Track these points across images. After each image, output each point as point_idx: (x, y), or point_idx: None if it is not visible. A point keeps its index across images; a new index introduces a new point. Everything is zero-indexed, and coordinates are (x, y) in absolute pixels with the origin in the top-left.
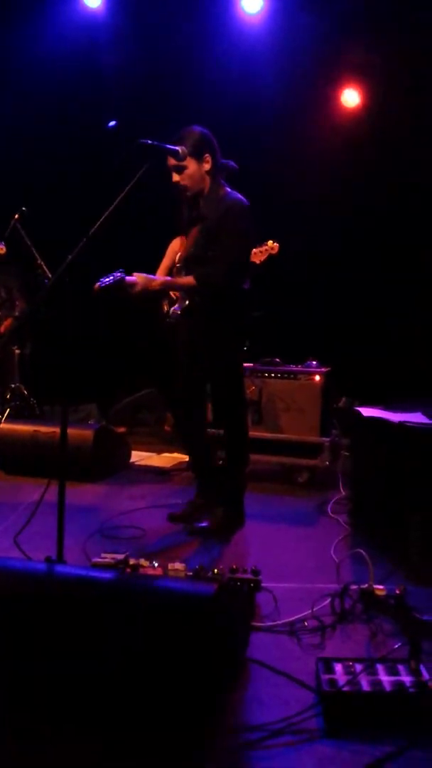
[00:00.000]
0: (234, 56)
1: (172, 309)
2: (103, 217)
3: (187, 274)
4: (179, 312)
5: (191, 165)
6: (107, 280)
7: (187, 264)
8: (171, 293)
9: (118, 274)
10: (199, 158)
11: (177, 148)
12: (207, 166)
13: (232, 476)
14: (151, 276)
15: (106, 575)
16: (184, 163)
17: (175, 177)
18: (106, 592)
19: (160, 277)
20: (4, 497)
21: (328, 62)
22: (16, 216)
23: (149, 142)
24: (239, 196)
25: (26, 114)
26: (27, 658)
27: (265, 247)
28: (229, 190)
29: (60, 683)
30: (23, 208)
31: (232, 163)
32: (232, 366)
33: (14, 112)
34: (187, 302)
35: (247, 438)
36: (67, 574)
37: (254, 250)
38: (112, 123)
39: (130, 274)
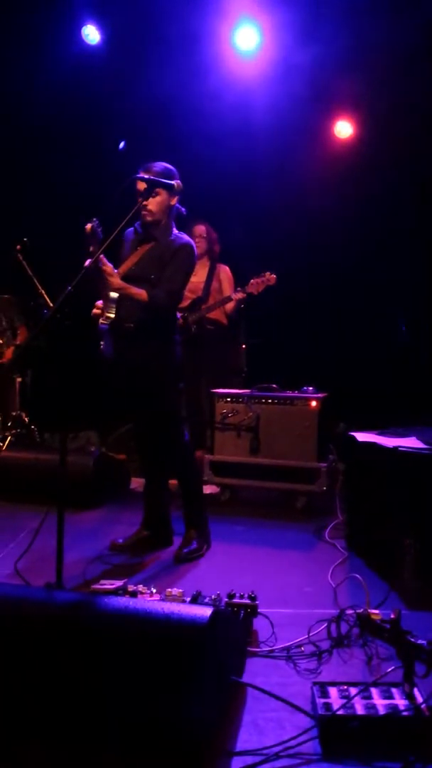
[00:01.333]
0: (228, 91)
1: (101, 320)
2: (102, 248)
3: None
4: (107, 323)
5: (162, 195)
6: (99, 230)
7: (126, 279)
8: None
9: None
10: (171, 192)
11: (172, 182)
12: (173, 201)
13: (188, 496)
14: (115, 272)
15: (104, 601)
16: (157, 190)
17: (146, 200)
18: (102, 617)
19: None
20: (4, 524)
21: (321, 95)
22: (18, 247)
23: (146, 176)
24: (189, 238)
25: (27, 146)
26: (24, 683)
27: (262, 279)
28: (176, 231)
29: (56, 709)
30: (24, 240)
31: (183, 208)
32: (168, 384)
33: (14, 145)
34: (112, 315)
35: (190, 454)
36: (65, 600)
37: (252, 281)
38: (121, 144)
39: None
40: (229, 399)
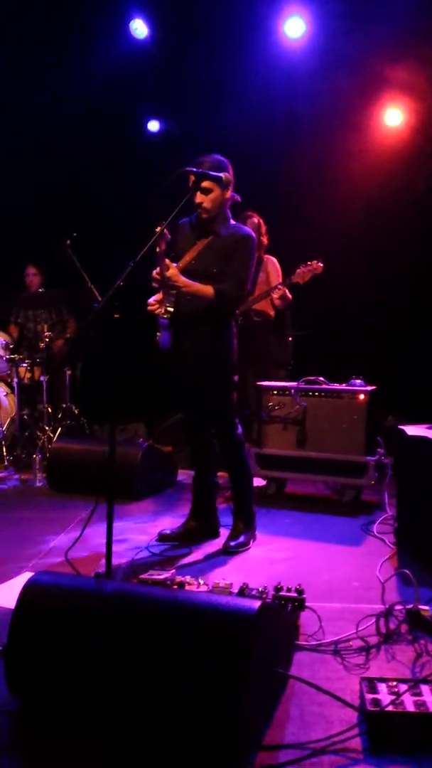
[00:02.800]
0: (276, 80)
1: (161, 313)
2: (150, 243)
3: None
4: (167, 317)
5: (217, 191)
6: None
7: (186, 274)
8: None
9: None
10: (225, 187)
11: (220, 174)
12: (227, 194)
13: (239, 488)
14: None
15: (153, 591)
16: (210, 186)
17: (200, 198)
18: (152, 608)
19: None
20: (55, 514)
21: (370, 82)
22: (68, 241)
23: (195, 170)
24: (248, 228)
25: (75, 140)
26: (74, 671)
27: (309, 267)
28: (233, 222)
29: (103, 697)
30: (74, 234)
31: (237, 196)
32: (226, 379)
33: (63, 140)
34: (171, 309)
35: (242, 447)
36: (114, 590)
37: (299, 270)
38: (154, 127)
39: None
40: (275, 392)
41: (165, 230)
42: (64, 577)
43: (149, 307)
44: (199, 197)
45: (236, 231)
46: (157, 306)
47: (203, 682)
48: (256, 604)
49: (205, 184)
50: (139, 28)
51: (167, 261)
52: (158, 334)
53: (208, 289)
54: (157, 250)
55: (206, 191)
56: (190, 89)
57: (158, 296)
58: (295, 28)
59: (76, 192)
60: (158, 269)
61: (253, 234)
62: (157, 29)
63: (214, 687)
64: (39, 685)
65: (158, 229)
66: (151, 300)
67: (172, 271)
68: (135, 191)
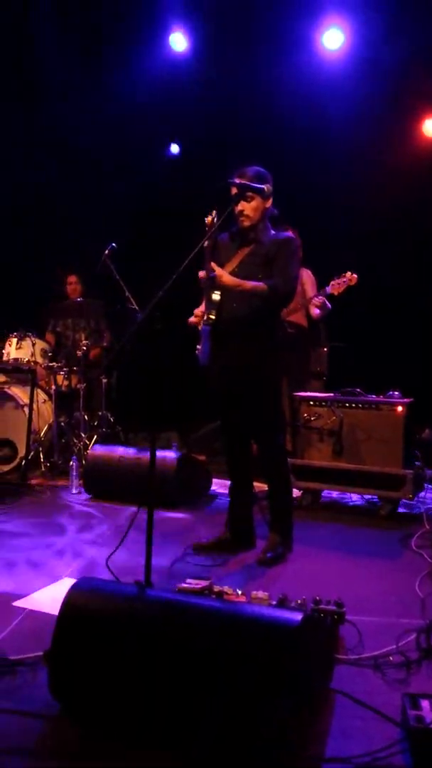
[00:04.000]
0: (314, 91)
1: (202, 321)
2: (192, 254)
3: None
4: (209, 324)
5: (257, 200)
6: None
7: None
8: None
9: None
10: (264, 196)
11: (262, 186)
12: (268, 204)
13: (278, 500)
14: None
15: (194, 601)
16: (252, 195)
17: (242, 205)
18: (195, 617)
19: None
20: (92, 521)
21: (408, 92)
22: (106, 252)
23: (237, 181)
24: (289, 233)
25: (113, 152)
26: (117, 676)
27: (344, 279)
28: (273, 231)
29: (145, 703)
30: (113, 245)
31: (275, 210)
32: (272, 388)
33: (101, 151)
34: (213, 317)
35: (286, 460)
36: (157, 598)
37: (333, 281)
38: (175, 149)
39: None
40: (312, 402)
41: (215, 224)
42: (106, 585)
43: (192, 319)
44: (241, 205)
45: (277, 236)
46: (198, 319)
47: (244, 694)
48: (298, 616)
49: (248, 192)
50: (179, 42)
51: (213, 264)
52: (198, 347)
53: (259, 285)
54: (205, 244)
55: (248, 199)
56: (226, 102)
57: (200, 309)
58: (333, 39)
59: (116, 204)
60: (205, 271)
61: (294, 237)
62: (195, 43)
63: (254, 699)
64: (80, 691)
65: (208, 219)
66: (196, 311)
67: (220, 271)
68: (174, 203)
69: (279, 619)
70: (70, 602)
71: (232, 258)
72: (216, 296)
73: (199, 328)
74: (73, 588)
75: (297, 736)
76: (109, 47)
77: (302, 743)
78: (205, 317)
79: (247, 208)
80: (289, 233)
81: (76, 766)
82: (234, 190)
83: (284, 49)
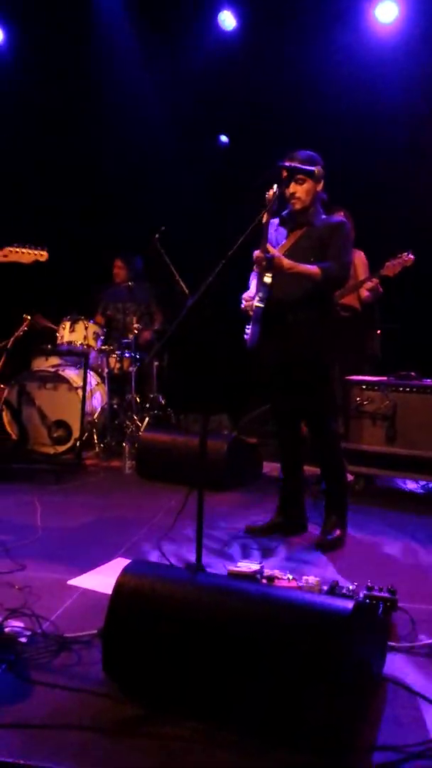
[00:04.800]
0: (366, 67)
1: (254, 304)
2: (242, 238)
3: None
4: (261, 307)
5: (310, 182)
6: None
7: None
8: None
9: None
10: (317, 179)
11: (312, 168)
12: (319, 188)
13: (333, 483)
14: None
15: (246, 586)
16: (304, 177)
17: (293, 188)
18: (246, 602)
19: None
20: (144, 502)
21: None
22: (156, 235)
23: (287, 164)
24: (341, 217)
25: (161, 135)
26: (168, 657)
27: (399, 260)
28: (324, 215)
29: (196, 683)
30: (162, 228)
31: (324, 194)
32: (324, 370)
33: (151, 133)
34: (262, 300)
35: (339, 444)
36: (209, 582)
37: (388, 262)
38: (224, 139)
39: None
40: (364, 386)
41: (276, 199)
42: (157, 567)
43: (244, 304)
44: (292, 187)
45: (330, 220)
46: (249, 304)
47: (290, 680)
48: (350, 604)
49: (298, 175)
50: (227, 20)
51: (269, 245)
52: (247, 329)
53: (313, 269)
54: (263, 220)
55: (299, 182)
56: (275, 82)
57: (249, 293)
58: (387, 12)
59: (165, 188)
60: (261, 249)
61: (347, 221)
62: (245, 21)
63: (301, 685)
64: (131, 670)
65: (269, 193)
66: (245, 296)
67: (276, 252)
68: (225, 187)
69: (331, 608)
70: (122, 584)
71: (283, 242)
72: (268, 279)
73: (250, 312)
74: (125, 570)
75: (346, 724)
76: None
77: (352, 730)
78: (257, 299)
79: (299, 190)
80: (341, 217)
81: (130, 743)
82: (284, 173)
83: (334, 24)
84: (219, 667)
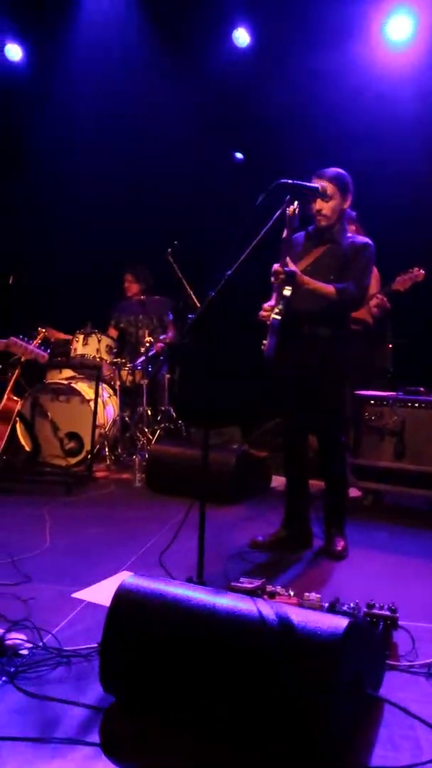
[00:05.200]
0: (380, 82)
1: (272, 315)
2: (243, 256)
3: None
4: (278, 319)
5: (336, 199)
6: (298, 216)
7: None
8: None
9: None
10: (344, 195)
11: (316, 185)
12: (346, 205)
13: (337, 496)
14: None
15: (240, 601)
16: (331, 194)
17: (320, 204)
18: (238, 619)
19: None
20: (153, 515)
21: None
22: (169, 249)
23: (290, 181)
24: (367, 238)
25: (175, 149)
26: (164, 672)
27: (410, 275)
28: (350, 233)
29: (192, 698)
30: (175, 242)
31: (353, 212)
32: (338, 386)
33: (165, 148)
34: (280, 313)
35: (346, 459)
36: (202, 597)
37: (399, 277)
38: (239, 156)
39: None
40: (373, 401)
41: (296, 216)
42: (156, 581)
43: (262, 313)
44: (318, 204)
45: (355, 239)
46: (267, 313)
47: (290, 700)
48: (344, 623)
49: (326, 191)
50: (241, 37)
51: (289, 259)
52: (264, 341)
53: (329, 288)
54: (284, 235)
55: (326, 199)
56: (288, 99)
57: (270, 303)
58: (398, 29)
59: (178, 202)
60: (280, 263)
61: (372, 243)
62: (258, 37)
63: (292, 704)
64: (129, 684)
65: (289, 210)
66: (265, 305)
67: (293, 267)
68: (236, 201)
69: (324, 627)
70: (119, 598)
71: (305, 256)
72: (287, 292)
73: (268, 322)
74: (123, 585)
75: (337, 743)
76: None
77: (344, 750)
78: (275, 312)
79: (325, 207)
80: (366, 239)
81: (124, 757)
82: (320, 189)
83: (346, 41)
84: (212, 684)
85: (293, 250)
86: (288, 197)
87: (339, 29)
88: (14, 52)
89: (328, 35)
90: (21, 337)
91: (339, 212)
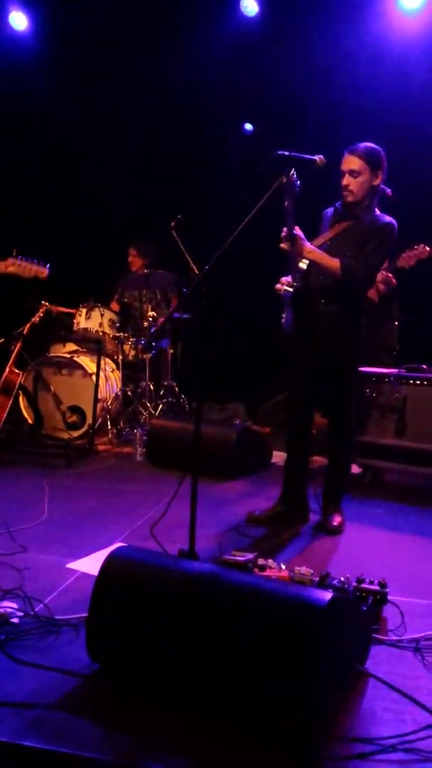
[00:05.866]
0: (392, 53)
1: (284, 288)
2: (239, 229)
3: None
4: (290, 291)
5: (365, 174)
6: (297, 183)
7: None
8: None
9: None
10: (374, 172)
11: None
12: (376, 182)
13: (341, 473)
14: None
15: (225, 574)
16: (359, 170)
17: (347, 180)
18: (221, 591)
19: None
20: (152, 488)
21: None
22: (172, 223)
23: (286, 153)
24: (392, 219)
25: (180, 122)
26: (148, 641)
27: (414, 252)
28: (378, 212)
29: (174, 667)
30: (178, 216)
31: (388, 189)
32: (350, 364)
33: (168, 120)
34: (292, 285)
35: (353, 435)
36: (188, 569)
37: (403, 254)
38: (248, 127)
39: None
40: (374, 378)
41: (295, 183)
42: (144, 553)
43: (278, 286)
44: (346, 179)
45: (379, 218)
46: (283, 286)
47: (272, 672)
48: (327, 596)
49: (354, 166)
50: (250, 5)
51: (297, 228)
52: (283, 315)
53: (334, 262)
54: (285, 205)
55: (354, 175)
56: (298, 71)
57: (288, 278)
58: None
59: (182, 175)
60: (285, 229)
61: (395, 224)
62: (265, 8)
63: (281, 675)
64: (114, 653)
65: (284, 180)
66: (282, 279)
67: (299, 232)
68: (243, 174)
69: (306, 599)
70: (107, 569)
71: (328, 231)
72: (303, 264)
73: (282, 293)
74: (111, 555)
75: (319, 715)
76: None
77: (327, 722)
78: (290, 284)
79: (352, 183)
80: (390, 219)
81: (108, 725)
82: (351, 165)
83: (360, 10)
84: (195, 655)
85: (321, 225)
86: (286, 169)
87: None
88: (19, 20)
89: (340, 4)
90: (18, 256)
91: (368, 189)
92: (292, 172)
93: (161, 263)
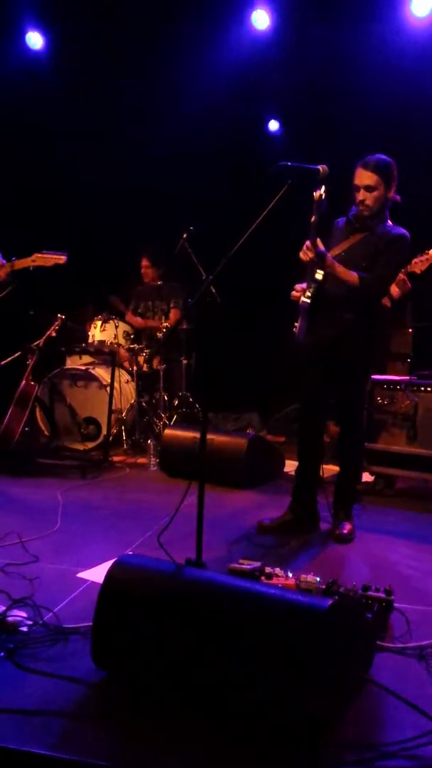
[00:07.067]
0: (403, 61)
1: (302, 298)
2: (242, 239)
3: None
4: (307, 302)
5: (380, 189)
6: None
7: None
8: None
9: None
10: (389, 186)
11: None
12: (390, 193)
13: (350, 480)
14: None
15: (229, 582)
16: (374, 185)
17: (363, 195)
18: (223, 599)
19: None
20: (163, 498)
21: None
22: (184, 234)
23: (289, 163)
24: (404, 230)
25: (193, 136)
26: (153, 649)
27: (426, 256)
28: (390, 222)
29: (178, 675)
30: (191, 228)
31: (398, 196)
32: (362, 372)
33: (180, 133)
34: (311, 296)
35: (363, 443)
36: (192, 577)
37: (415, 259)
38: (273, 125)
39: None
40: (386, 385)
41: (323, 201)
42: (148, 561)
43: (294, 294)
44: (362, 194)
45: (393, 229)
46: (299, 294)
47: (271, 675)
48: (327, 602)
49: (369, 182)
50: (260, 19)
51: (319, 241)
52: (296, 324)
53: (352, 276)
54: (312, 219)
55: (370, 189)
56: (312, 79)
57: (303, 285)
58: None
59: (195, 187)
60: (309, 242)
61: (408, 235)
62: (277, 18)
63: (281, 680)
64: (119, 660)
65: (316, 194)
66: (297, 286)
67: (323, 248)
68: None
69: (307, 606)
70: (112, 577)
71: (342, 242)
72: (319, 275)
73: (299, 303)
74: (116, 563)
75: (319, 721)
76: (190, 28)
77: (329, 728)
78: (305, 294)
79: (369, 198)
80: (403, 230)
81: (114, 731)
82: (365, 181)
83: (370, 20)
84: (198, 662)
85: (333, 235)
86: (318, 185)
87: (362, 8)
88: (35, 40)
89: (352, 14)
90: (43, 251)
91: (382, 202)
92: (322, 189)
93: (174, 273)
